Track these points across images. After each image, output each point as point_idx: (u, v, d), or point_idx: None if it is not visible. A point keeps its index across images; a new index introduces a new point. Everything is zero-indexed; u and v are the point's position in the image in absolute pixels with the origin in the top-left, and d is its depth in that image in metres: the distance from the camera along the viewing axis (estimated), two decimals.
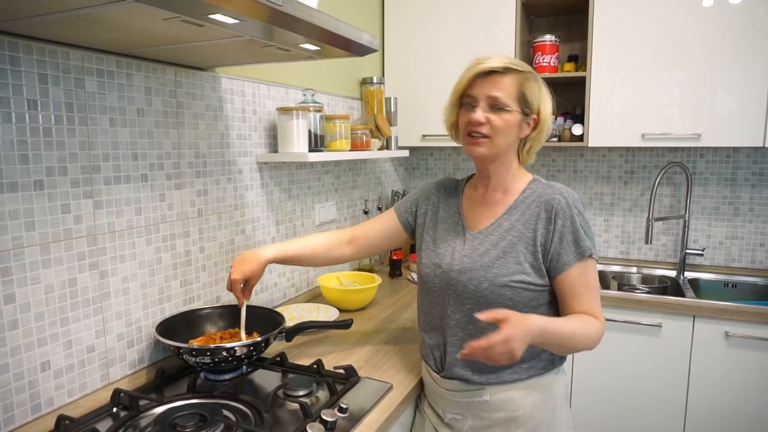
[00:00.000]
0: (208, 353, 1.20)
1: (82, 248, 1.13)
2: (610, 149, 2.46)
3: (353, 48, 1.15)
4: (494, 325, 0.96)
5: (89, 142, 1.13)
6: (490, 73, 1.10)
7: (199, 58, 1.28)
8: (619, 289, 2.29)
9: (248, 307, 1.33)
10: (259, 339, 1.24)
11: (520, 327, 0.95)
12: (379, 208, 2.41)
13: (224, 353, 1.20)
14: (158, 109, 1.29)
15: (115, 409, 1.12)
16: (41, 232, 1.04)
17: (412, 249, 2.39)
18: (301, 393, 1.17)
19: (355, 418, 1.08)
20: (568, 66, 2.28)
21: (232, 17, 0.85)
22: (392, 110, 2.20)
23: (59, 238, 1.08)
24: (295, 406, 1.12)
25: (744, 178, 2.27)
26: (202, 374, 1.29)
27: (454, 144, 1.69)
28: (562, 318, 1.11)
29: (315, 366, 1.28)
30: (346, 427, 1.05)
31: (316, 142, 1.67)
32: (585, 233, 1.10)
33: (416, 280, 1.39)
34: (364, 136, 1.90)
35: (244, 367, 1.31)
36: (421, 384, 1.29)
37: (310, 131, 1.63)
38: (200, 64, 1.37)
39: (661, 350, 1.94)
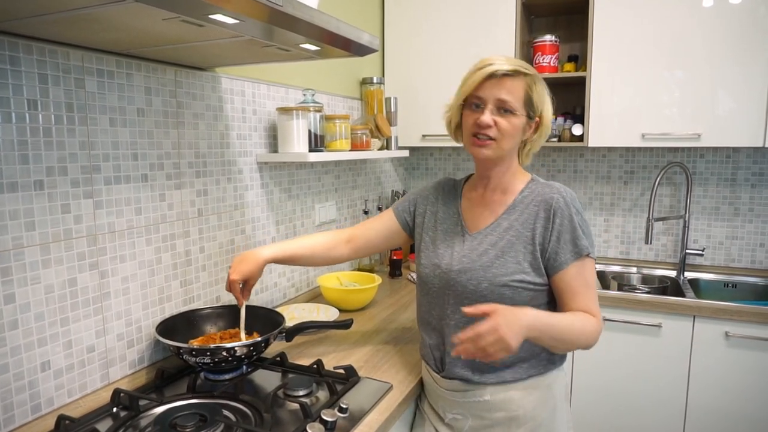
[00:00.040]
0: (208, 353, 1.20)
1: (82, 248, 1.13)
2: (610, 149, 2.46)
3: (353, 48, 1.15)
4: None
5: (89, 142, 1.13)
6: (500, 75, 1.09)
7: (199, 58, 1.28)
8: (619, 289, 2.28)
9: (248, 307, 1.33)
10: (259, 339, 1.24)
11: (509, 316, 0.95)
12: (379, 208, 2.41)
13: (224, 353, 1.20)
14: (158, 109, 1.29)
15: (115, 409, 1.12)
16: (41, 232, 1.04)
17: (412, 249, 2.38)
18: (301, 393, 1.17)
19: (355, 418, 1.08)
20: (568, 66, 2.28)
21: (232, 17, 0.85)
22: (392, 110, 2.20)
23: (59, 238, 1.08)
24: (295, 406, 1.12)
25: (744, 178, 2.27)
26: (202, 374, 1.29)
27: (454, 144, 1.69)
28: (558, 313, 1.11)
29: (315, 366, 1.28)
30: (346, 427, 1.05)
31: (316, 142, 1.67)
32: (583, 232, 1.10)
33: (416, 280, 1.39)
34: (364, 136, 1.90)
35: (244, 367, 1.31)
36: (421, 384, 1.29)
37: (310, 131, 1.63)
38: (200, 64, 1.37)
39: (661, 350, 1.94)
